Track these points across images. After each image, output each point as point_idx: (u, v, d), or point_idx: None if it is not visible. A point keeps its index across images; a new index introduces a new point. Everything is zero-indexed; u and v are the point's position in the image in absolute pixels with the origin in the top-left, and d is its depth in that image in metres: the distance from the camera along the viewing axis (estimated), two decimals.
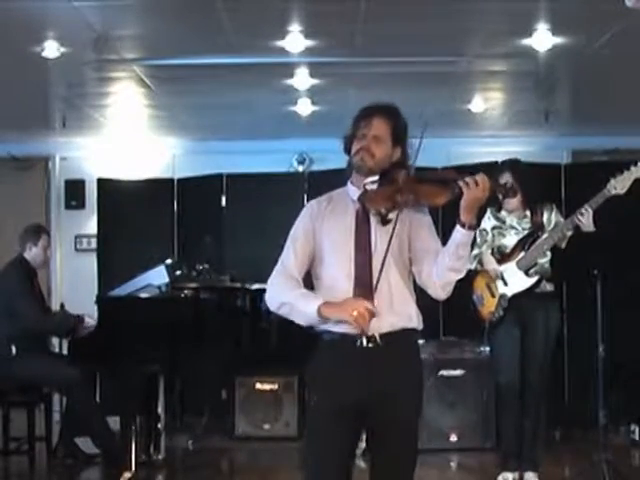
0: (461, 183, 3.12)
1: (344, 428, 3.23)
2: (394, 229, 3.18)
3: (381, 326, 3.20)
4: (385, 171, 3.26)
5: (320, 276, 3.32)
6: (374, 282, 3.19)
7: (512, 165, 5.62)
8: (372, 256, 3.22)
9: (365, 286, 3.20)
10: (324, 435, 3.25)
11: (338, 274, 3.26)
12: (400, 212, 3.20)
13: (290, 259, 3.32)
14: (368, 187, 3.26)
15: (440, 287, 3.25)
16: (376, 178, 3.26)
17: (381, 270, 3.17)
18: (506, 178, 5.41)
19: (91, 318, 6.17)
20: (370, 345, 3.21)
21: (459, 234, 3.17)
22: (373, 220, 3.26)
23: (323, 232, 3.31)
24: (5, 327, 6.24)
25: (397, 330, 3.24)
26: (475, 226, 3.19)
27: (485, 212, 5.59)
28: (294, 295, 3.25)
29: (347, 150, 3.35)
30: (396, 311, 3.24)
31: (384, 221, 3.22)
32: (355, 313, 3.10)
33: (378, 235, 3.24)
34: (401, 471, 3.30)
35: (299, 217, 3.40)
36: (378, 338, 3.21)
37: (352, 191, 3.34)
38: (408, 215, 3.25)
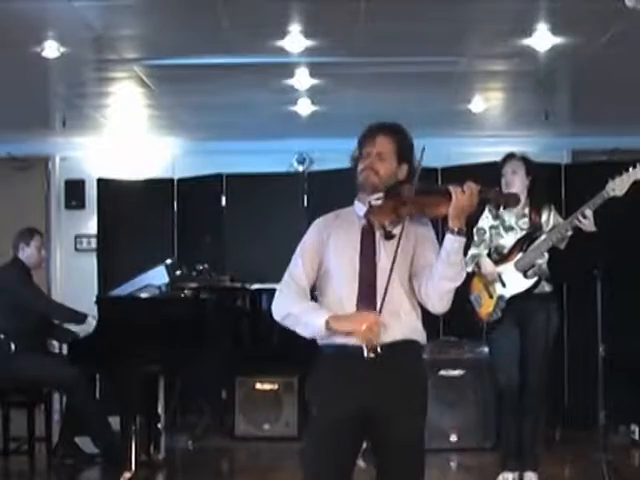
0: (451, 191, 3.14)
1: (345, 440, 3.23)
2: (399, 243, 3.19)
3: (383, 338, 3.20)
4: (390, 187, 3.27)
5: (325, 291, 3.33)
6: (378, 296, 3.20)
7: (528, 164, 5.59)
8: (377, 271, 3.23)
9: (369, 300, 3.21)
10: (325, 448, 3.24)
11: (343, 288, 3.26)
12: (404, 227, 3.21)
13: (299, 269, 3.33)
14: (373, 203, 3.27)
15: (437, 298, 3.24)
16: (381, 195, 3.26)
17: (387, 284, 3.17)
18: (519, 180, 5.44)
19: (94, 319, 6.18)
20: (372, 356, 3.21)
21: (448, 241, 3.18)
22: (378, 235, 3.27)
23: (330, 247, 3.32)
24: (5, 326, 6.25)
25: (399, 341, 3.24)
26: (463, 231, 3.19)
27: (483, 210, 5.58)
28: (301, 307, 3.27)
29: (356, 170, 3.36)
30: (399, 323, 3.24)
31: (388, 235, 3.24)
32: (364, 327, 3.12)
33: (383, 250, 3.25)
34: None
35: (307, 232, 3.41)
36: (380, 349, 3.20)
37: (359, 208, 3.36)
38: (413, 230, 3.27)
